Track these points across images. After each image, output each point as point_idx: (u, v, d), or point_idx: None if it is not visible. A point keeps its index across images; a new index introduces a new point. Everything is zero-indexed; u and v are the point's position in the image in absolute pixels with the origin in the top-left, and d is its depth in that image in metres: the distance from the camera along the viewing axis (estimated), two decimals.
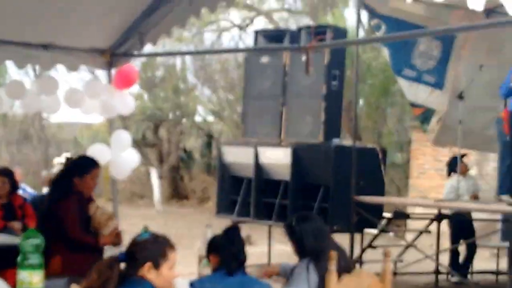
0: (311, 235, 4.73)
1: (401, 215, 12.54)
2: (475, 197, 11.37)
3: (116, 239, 5.98)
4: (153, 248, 3.61)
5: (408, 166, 17.40)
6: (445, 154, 13.26)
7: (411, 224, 13.33)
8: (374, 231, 11.33)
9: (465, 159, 11.70)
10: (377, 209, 10.94)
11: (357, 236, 10.75)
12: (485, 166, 14.78)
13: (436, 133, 11.65)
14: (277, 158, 10.76)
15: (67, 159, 6.73)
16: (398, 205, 11.95)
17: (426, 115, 11.59)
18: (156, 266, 3.58)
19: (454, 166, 11.10)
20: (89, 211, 5.87)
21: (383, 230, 11.32)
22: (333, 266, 4.28)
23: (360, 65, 11.72)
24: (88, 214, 5.87)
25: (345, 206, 10.28)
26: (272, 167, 10.89)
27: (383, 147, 11.90)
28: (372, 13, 10.79)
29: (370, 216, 10.47)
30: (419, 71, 11.36)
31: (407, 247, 11.39)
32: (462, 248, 11.50)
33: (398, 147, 19.54)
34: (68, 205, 5.76)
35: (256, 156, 10.95)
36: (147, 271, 3.56)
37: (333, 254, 4.30)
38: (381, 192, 11.08)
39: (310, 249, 4.69)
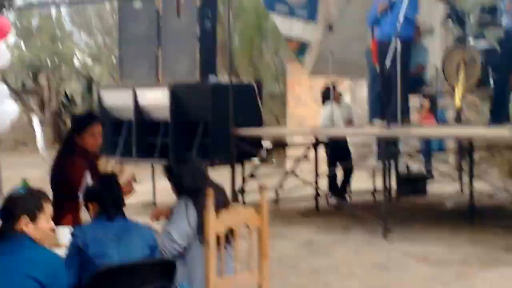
0: (189, 175, 5.03)
1: (280, 144, 12.95)
2: (349, 123, 11.85)
3: (129, 187, 5.78)
4: (28, 202, 3.72)
5: (286, 96, 17.83)
6: (320, 83, 13.66)
7: (291, 152, 13.77)
8: (256, 161, 11.74)
9: (338, 87, 12.15)
10: (256, 141, 11.38)
11: (239, 168, 11.14)
12: (358, 92, 15.33)
13: (311, 64, 12.02)
14: (156, 99, 10.99)
15: (72, 116, 6.49)
16: (277, 135, 12.35)
17: (301, 48, 11.91)
18: (33, 219, 3.70)
19: (328, 95, 11.48)
20: (99, 167, 5.72)
21: (263, 160, 11.72)
22: (210, 203, 4.54)
23: (232, 3, 11.91)
24: (97, 171, 5.68)
25: (225, 140, 10.64)
26: (151, 108, 11.12)
27: (259, 81, 12.25)
28: None
29: (250, 147, 10.89)
30: (291, 6, 11.65)
31: (287, 174, 11.87)
32: (340, 172, 12.01)
33: (275, 78, 19.93)
34: (73, 161, 5.64)
35: (135, 98, 11.15)
36: (25, 225, 3.67)
37: (210, 191, 4.56)
38: (260, 124, 11.50)
39: (188, 188, 4.98)
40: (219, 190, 5.08)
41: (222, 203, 4.88)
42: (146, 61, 11.30)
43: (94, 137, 5.82)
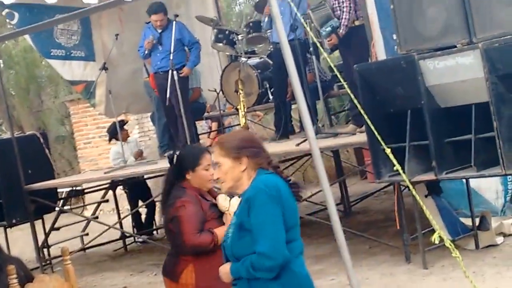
0: None
1: (77, 192, 12.70)
2: (140, 155, 11.76)
3: None
4: None
5: (74, 139, 17.56)
6: (107, 121, 13.54)
7: (90, 196, 13.52)
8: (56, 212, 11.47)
9: (124, 125, 12.07)
10: (51, 192, 11.14)
11: (39, 223, 10.85)
12: (145, 123, 15.35)
13: (105, 104, 11.78)
14: None
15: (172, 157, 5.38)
16: (73, 184, 12.11)
17: (88, 89, 11.62)
18: None
19: (114, 132, 11.38)
20: (217, 206, 4.97)
21: (62, 210, 11.47)
22: (14, 280, 4.37)
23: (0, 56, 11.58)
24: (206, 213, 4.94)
25: (19, 198, 10.34)
26: None
27: (42, 130, 11.99)
28: (1, 4, 10.68)
29: (47, 200, 10.64)
30: (67, 48, 11.46)
31: (89, 221, 11.65)
32: (143, 208, 11.91)
33: (60, 122, 19.57)
34: (181, 208, 4.89)
35: None
36: None
37: (11, 267, 4.39)
38: (51, 174, 11.28)
39: None
40: (17, 263, 4.85)
41: (25, 277, 4.69)
42: None
43: (208, 171, 5.03)
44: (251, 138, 3.89)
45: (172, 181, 5.05)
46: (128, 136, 12.08)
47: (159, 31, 10.17)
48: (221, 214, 4.99)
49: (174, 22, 9.97)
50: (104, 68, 10.55)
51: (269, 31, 9.99)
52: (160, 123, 11.03)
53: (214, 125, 13.72)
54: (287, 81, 9.38)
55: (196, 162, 5.00)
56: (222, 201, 4.99)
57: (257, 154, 3.77)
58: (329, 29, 8.60)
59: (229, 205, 4.94)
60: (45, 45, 11.31)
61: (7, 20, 11.13)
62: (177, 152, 5.08)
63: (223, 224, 4.88)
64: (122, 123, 11.57)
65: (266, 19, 9.91)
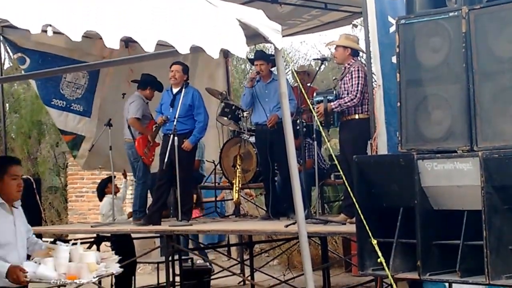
0: None
1: (60, 241, 12.55)
2: (131, 215, 11.73)
3: None
4: None
5: (67, 190, 17.52)
6: (102, 176, 13.57)
7: None
8: None
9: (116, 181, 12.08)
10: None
11: None
12: None
13: (86, 158, 12.02)
14: None
15: None
16: (58, 232, 12.05)
17: (75, 141, 11.96)
18: None
19: (103, 190, 11.45)
20: None
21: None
22: None
23: (8, 97, 11.68)
24: None
25: None
26: None
27: (37, 176, 11.98)
28: (14, 47, 10.85)
29: None
30: (68, 100, 11.68)
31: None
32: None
33: (55, 171, 19.56)
34: None
35: None
36: None
37: None
38: (38, 221, 11.21)
39: None
40: None
41: None
42: None
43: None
44: None
45: None
46: (118, 191, 12.07)
47: (175, 91, 10.18)
48: None
49: (187, 88, 10.08)
50: (109, 124, 10.64)
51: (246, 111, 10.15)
52: (138, 188, 11.01)
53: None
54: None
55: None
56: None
57: None
58: (320, 98, 8.69)
59: None
60: (48, 93, 11.57)
61: (19, 65, 11.26)
62: None
63: None
64: (109, 179, 11.58)
65: (245, 95, 10.10)
